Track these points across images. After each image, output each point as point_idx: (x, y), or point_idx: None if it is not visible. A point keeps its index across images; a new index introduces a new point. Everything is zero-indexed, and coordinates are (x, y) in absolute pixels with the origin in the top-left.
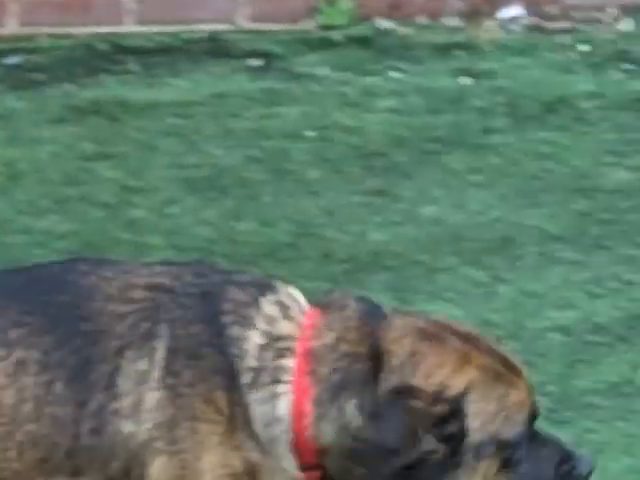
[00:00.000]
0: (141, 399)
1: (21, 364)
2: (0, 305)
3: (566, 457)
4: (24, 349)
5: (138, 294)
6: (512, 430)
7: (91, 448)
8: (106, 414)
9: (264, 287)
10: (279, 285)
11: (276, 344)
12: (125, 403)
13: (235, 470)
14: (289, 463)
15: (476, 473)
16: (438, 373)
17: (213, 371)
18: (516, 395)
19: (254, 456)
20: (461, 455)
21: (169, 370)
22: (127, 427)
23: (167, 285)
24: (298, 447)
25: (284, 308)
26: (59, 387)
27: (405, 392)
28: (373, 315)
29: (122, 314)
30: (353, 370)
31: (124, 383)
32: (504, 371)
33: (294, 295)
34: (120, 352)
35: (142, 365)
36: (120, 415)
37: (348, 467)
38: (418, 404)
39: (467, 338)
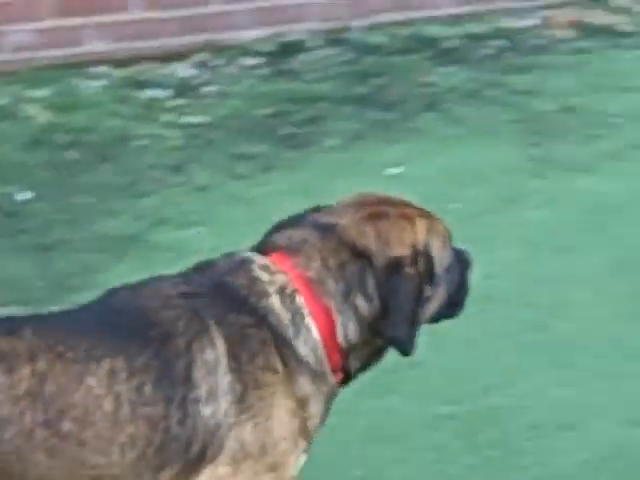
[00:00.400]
0: (215, 384)
1: (112, 373)
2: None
3: (462, 257)
4: (112, 361)
5: (177, 301)
6: (449, 254)
7: (177, 438)
8: (188, 403)
9: (245, 263)
10: (244, 254)
11: (285, 294)
12: (202, 390)
13: (294, 408)
14: (330, 375)
15: (438, 296)
16: (404, 237)
17: (262, 343)
18: (442, 225)
19: (307, 389)
20: (436, 287)
21: (230, 355)
22: (206, 410)
23: (190, 291)
24: (331, 355)
25: (266, 267)
26: (148, 389)
27: (395, 264)
28: (325, 229)
29: (175, 318)
30: (349, 274)
31: (199, 373)
32: (427, 213)
33: (254, 255)
34: (188, 347)
35: (209, 355)
36: (200, 402)
37: (368, 355)
38: (408, 269)
39: (392, 202)
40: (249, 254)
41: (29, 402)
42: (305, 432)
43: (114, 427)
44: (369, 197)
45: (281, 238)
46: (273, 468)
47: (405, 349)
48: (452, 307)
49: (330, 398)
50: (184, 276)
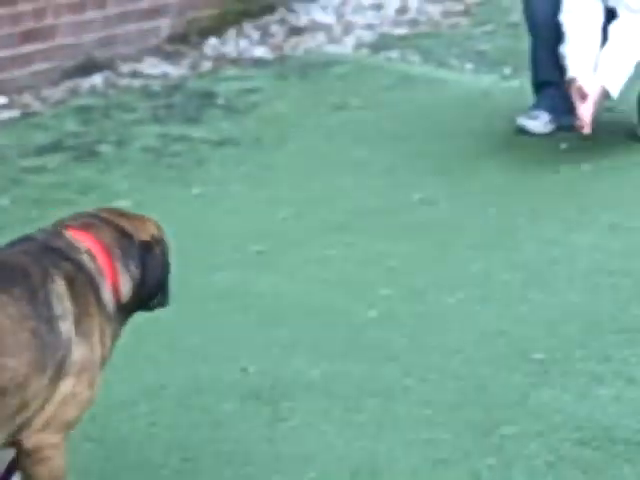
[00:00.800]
0: (65, 308)
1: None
2: None
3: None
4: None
5: (23, 256)
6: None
7: (49, 345)
8: (52, 319)
9: (59, 233)
10: (55, 228)
11: (90, 254)
12: (59, 310)
13: (102, 339)
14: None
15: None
16: (148, 230)
17: (87, 284)
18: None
19: (106, 327)
20: None
21: (69, 289)
22: (63, 326)
23: (28, 249)
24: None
25: (73, 236)
26: (26, 309)
27: (148, 243)
28: (98, 217)
29: (27, 265)
30: (124, 246)
31: (54, 299)
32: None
33: (62, 229)
34: (43, 282)
35: (58, 287)
36: (59, 319)
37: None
38: (155, 249)
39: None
40: (58, 228)
41: None
42: (104, 361)
43: (14, 337)
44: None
45: (72, 221)
46: (92, 383)
47: (161, 304)
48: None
49: (116, 338)
50: (17, 244)
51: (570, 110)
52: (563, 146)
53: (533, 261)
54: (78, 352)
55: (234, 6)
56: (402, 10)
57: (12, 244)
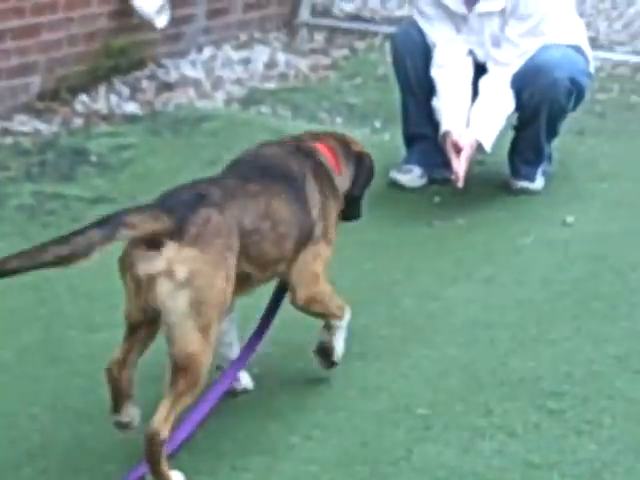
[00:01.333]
0: (315, 200)
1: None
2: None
3: None
4: (277, 192)
5: (286, 158)
6: None
7: (306, 228)
8: (308, 209)
9: (299, 140)
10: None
11: (325, 156)
12: (312, 203)
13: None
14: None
15: None
16: (359, 146)
17: (328, 177)
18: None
19: (338, 206)
20: None
21: (317, 185)
22: (314, 213)
23: (287, 151)
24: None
25: (309, 143)
26: (294, 205)
27: (361, 153)
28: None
29: (290, 167)
30: (347, 153)
31: (309, 194)
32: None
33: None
34: (302, 182)
35: (311, 185)
36: (312, 209)
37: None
38: (365, 160)
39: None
40: (298, 138)
41: (260, 217)
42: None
43: (289, 224)
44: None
45: (304, 136)
46: (329, 246)
47: (357, 216)
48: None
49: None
50: (270, 147)
51: (443, 164)
52: (436, 200)
53: (411, 316)
54: (320, 228)
55: (103, 62)
56: (271, 64)
57: (263, 145)
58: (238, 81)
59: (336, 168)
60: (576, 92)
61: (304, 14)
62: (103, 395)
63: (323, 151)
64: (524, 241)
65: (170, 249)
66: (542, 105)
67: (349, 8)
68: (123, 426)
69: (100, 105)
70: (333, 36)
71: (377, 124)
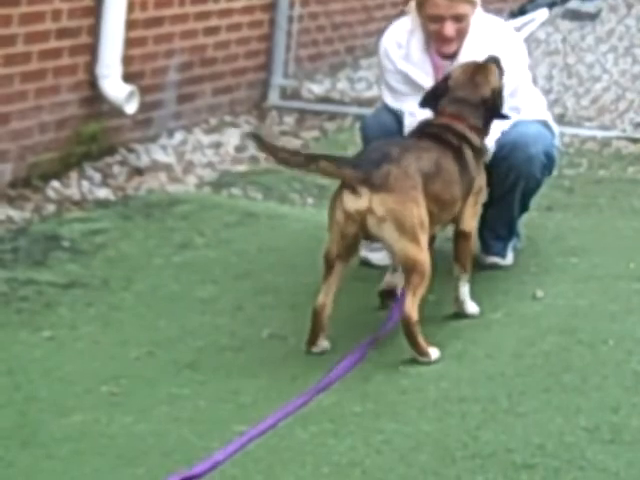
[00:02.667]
0: (472, 162)
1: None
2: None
3: None
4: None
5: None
6: None
7: (468, 182)
8: (467, 170)
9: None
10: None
11: (460, 126)
12: (469, 165)
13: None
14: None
15: None
16: (491, 83)
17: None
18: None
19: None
20: None
21: (471, 152)
22: (472, 174)
23: (439, 125)
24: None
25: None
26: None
27: (485, 100)
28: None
29: (447, 141)
30: (474, 112)
31: (468, 159)
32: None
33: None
34: (460, 149)
35: (468, 154)
36: (471, 170)
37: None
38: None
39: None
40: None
41: (433, 164)
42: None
43: (456, 180)
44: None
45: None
46: (482, 192)
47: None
48: None
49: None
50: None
51: None
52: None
53: (383, 391)
54: (477, 182)
55: (74, 149)
56: (241, 147)
57: (425, 124)
58: (209, 164)
59: (473, 131)
60: (549, 166)
61: (274, 97)
62: (79, 478)
63: (457, 122)
64: (494, 316)
65: (366, 194)
66: (519, 180)
67: (318, 90)
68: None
69: (72, 191)
70: (303, 118)
71: None
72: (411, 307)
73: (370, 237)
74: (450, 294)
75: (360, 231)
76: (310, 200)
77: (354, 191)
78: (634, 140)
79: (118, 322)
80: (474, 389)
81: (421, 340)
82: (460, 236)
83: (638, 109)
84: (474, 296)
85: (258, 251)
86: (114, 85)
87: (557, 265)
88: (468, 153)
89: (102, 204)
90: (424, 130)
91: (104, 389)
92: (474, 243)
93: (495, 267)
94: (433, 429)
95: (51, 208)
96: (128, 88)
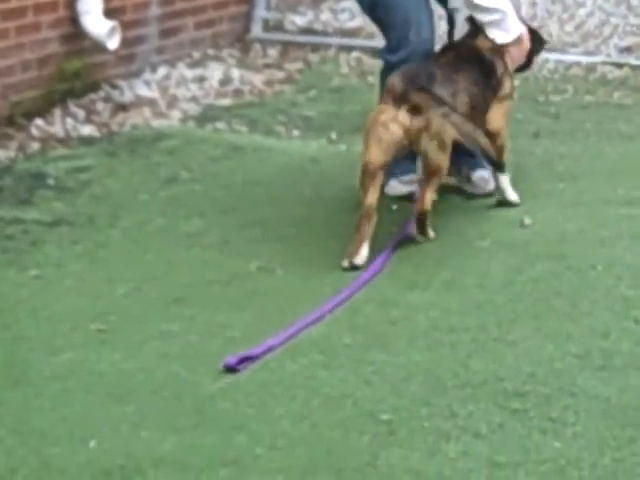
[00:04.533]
0: (502, 71)
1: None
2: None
3: None
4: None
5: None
6: None
7: (493, 88)
8: (498, 78)
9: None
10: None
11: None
12: (498, 73)
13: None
14: None
15: None
16: None
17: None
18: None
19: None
20: None
21: (500, 65)
22: (492, 81)
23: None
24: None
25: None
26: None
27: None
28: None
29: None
30: None
31: (498, 71)
32: None
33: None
34: (491, 64)
35: (499, 66)
36: (496, 77)
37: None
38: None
39: None
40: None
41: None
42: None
43: (487, 82)
44: None
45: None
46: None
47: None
48: None
49: None
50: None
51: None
52: (394, 207)
53: (373, 323)
54: (505, 85)
55: (58, 86)
56: (225, 81)
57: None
58: (193, 99)
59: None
60: None
61: (256, 30)
62: (68, 416)
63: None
64: (482, 244)
65: (424, 114)
66: None
67: (301, 22)
68: (354, 268)
69: (56, 129)
70: (286, 50)
71: (333, 135)
72: (427, 202)
73: (414, 149)
74: (438, 222)
75: (409, 144)
76: (296, 132)
77: (415, 110)
78: (619, 65)
79: (105, 259)
80: (464, 318)
81: (428, 227)
82: (489, 136)
83: (623, 34)
84: (460, 225)
85: (244, 184)
86: (95, 21)
87: (545, 191)
88: (498, 62)
89: (86, 141)
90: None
91: (92, 327)
92: (504, 139)
93: (483, 182)
94: (423, 359)
95: (35, 146)
96: (109, 24)
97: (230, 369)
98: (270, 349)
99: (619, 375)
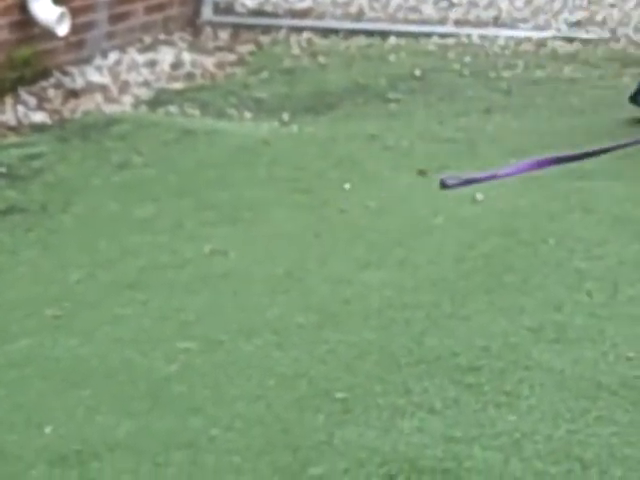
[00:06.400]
0: None
1: None
2: None
3: None
4: None
5: None
6: None
7: None
8: None
9: None
10: None
11: None
12: None
13: None
14: None
15: None
16: None
17: None
18: None
19: None
20: None
21: None
22: None
23: None
24: None
25: None
26: None
27: None
28: None
29: None
30: None
31: None
32: None
33: None
34: None
35: None
36: None
37: None
38: None
39: None
40: None
41: None
42: None
43: None
44: None
45: None
46: None
47: None
48: None
49: None
50: None
51: None
52: (347, 186)
53: (326, 302)
54: None
55: (7, 74)
56: (176, 65)
57: None
58: (145, 83)
59: None
60: None
61: (207, 12)
62: (24, 402)
63: None
64: (435, 221)
65: None
66: None
67: (252, 4)
68: None
69: (7, 116)
70: (237, 32)
71: (285, 117)
72: None
73: None
74: (390, 200)
75: None
76: (247, 114)
77: None
78: (569, 39)
79: (58, 245)
80: (417, 295)
81: None
82: None
83: (573, 9)
84: (412, 203)
85: (197, 167)
86: (44, 7)
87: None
88: None
89: (38, 128)
90: None
91: (47, 313)
92: None
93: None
94: (377, 337)
95: None
96: (59, 10)
97: (445, 186)
98: (493, 176)
99: (573, 347)
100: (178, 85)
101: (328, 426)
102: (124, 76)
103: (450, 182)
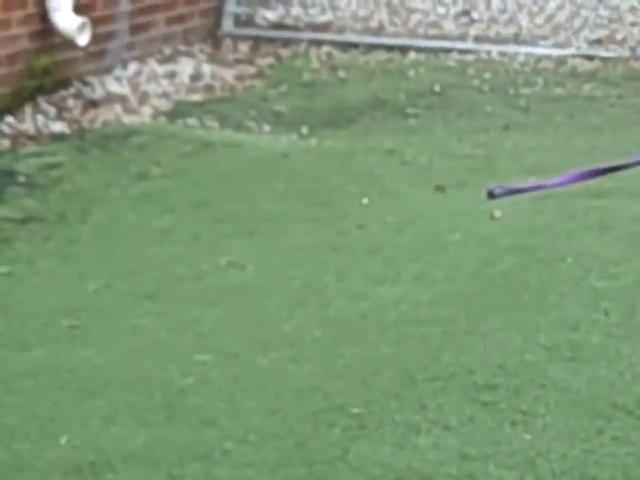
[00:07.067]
0: None
1: None
2: None
3: None
4: None
5: None
6: None
7: None
8: None
9: None
10: None
11: None
12: None
13: None
14: None
15: None
16: None
17: None
18: None
19: None
20: None
21: None
22: None
23: None
24: None
25: None
26: None
27: None
28: None
29: None
30: None
31: None
32: None
33: None
34: None
35: None
36: None
37: None
38: None
39: None
40: None
41: None
42: None
43: None
44: None
45: None
46: None
47: None
48: None
49: None
50: None
51: None
52: (365, 201)
53: (343, 316)
54: None
55: (28, 83)
56: (196, 77)
57: None
58: (164, 95)
59: None
60: None
61: (228, 25)
62: (39, 412)
63: None
64: (452, 237)
65: None
66: None
67: (272, 17)
68: None
69: (27, 126)
70: (257, 45)
71: (304, 130)
72: None
73: None
74: (408, 216)
75: None
76: (266, 127)
77: None
78: (589, 57)
79: (76, 255)
80: (434, 311)
81: None
82: None
83: (593, 26)
84: (430, 218)
85: (215, 180)
86: (65, 17)
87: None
88: None
89: (57, 138)
90: None
91: (64, 323)
92: None
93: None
94: (393, 352)
95: (6, 143)
96: (79, 20)
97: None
98: (540, 187)
99: (589, 367)
100: (197, 97)
101: (343, 441)
102: (143, 87)
103: (497, 192)
